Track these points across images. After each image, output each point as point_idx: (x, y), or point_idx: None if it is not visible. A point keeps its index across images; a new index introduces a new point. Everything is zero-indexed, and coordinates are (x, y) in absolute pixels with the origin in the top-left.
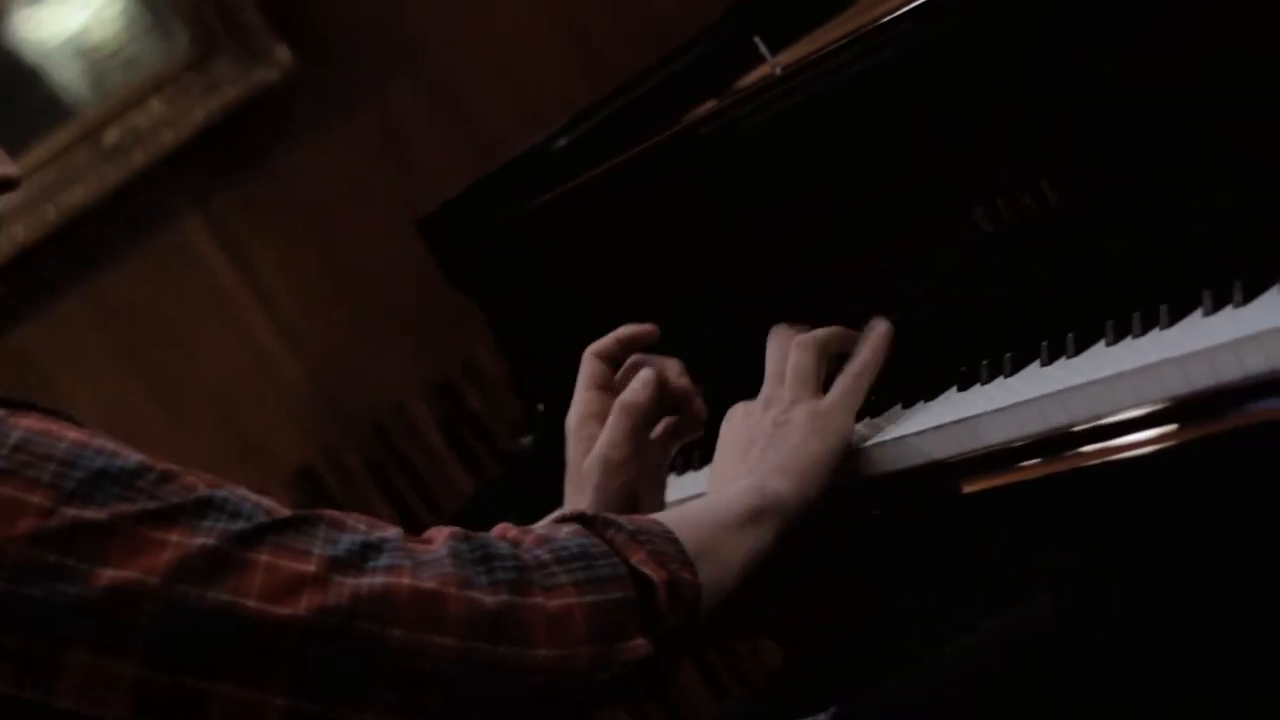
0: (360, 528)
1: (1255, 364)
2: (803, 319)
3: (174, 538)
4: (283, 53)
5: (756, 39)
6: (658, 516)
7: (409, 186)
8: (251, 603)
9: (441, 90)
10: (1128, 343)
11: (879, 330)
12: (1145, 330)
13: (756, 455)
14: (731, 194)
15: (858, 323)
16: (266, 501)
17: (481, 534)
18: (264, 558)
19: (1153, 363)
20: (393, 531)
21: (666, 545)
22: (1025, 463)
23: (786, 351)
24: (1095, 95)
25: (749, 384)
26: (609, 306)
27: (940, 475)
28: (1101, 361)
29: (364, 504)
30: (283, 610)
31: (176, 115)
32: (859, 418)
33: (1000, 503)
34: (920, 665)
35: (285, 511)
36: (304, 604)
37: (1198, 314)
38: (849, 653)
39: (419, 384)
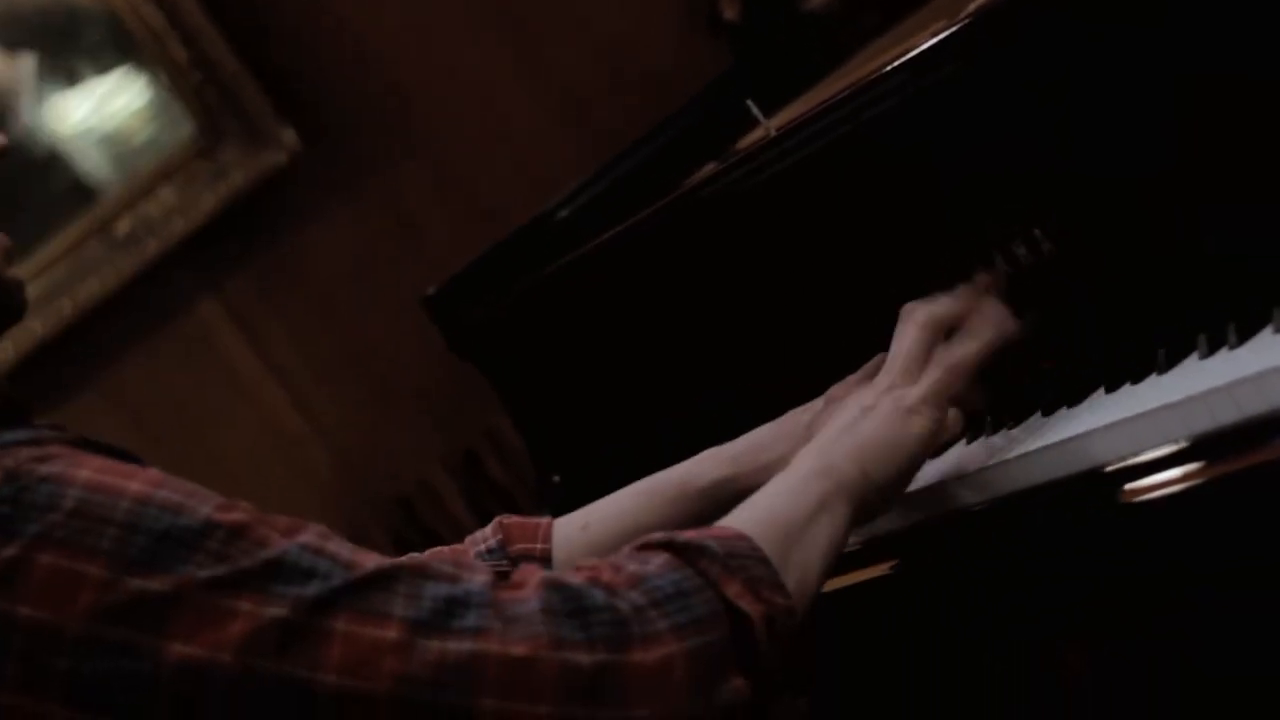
0: (447, 572)
1: (1251, 406)
2: (810, 375)
3: (244, 606)
4: (288, 135)
5: (749, 102)
6: (740, 526)
7: (418, 261)
8: (331, 677)
9: (445, 165)
10: (1126, 389)
11: (987, 312)
12: (1143, 375)
13: (831, 438)
14: (735, 254)
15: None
16: (346, 553)
17: (575, 580)
18: (341, 625)
19: (1151, 408)
20: (480, 577)
21: (759, 569)
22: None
23: (906, 330)
24: (1086, 142)
25: None
26: (617, 374)
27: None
28: (1103, 408)
29: None
30: (364, 684)
31: (187, 203)
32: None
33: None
34: None
35: (366, 565)
36: (386, 674)
37: (1194, 358)
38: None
39: (441, 455)
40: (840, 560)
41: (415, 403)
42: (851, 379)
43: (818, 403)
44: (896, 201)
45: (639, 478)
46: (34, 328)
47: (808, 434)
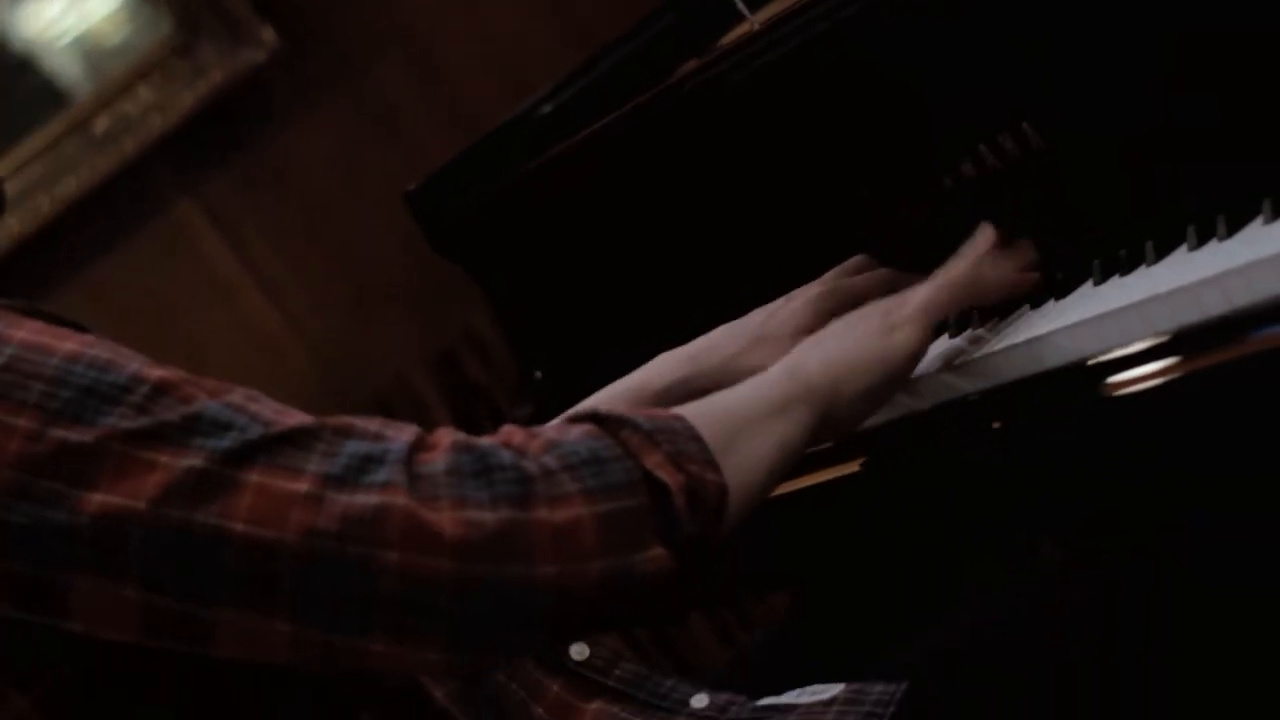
0: (370, 431)
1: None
2: (791, 274)
3: (162, 459)
4: (267, 33)
5: None
6: (682, 410)
7: (399, 160)
8: (240, 526)
9: (426, 63)
10: (1114, 281)
11: (980, 240)
12: (1132, 267)
13: (810, 344)
14: (718, 152)
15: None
16: (269, 412)
17: (485, 442)
18: (255, 478)
19: (1138, 300)
20: (403, 437)
21: (687, 444)
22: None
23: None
24: (1077, 34)
25: None
26: (599, 272)
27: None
28: (1090, 301)
29: None
30: (270, 533)
31: (165, 101)
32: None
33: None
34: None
35: (288, 423)
36: (292, 525)
37: (1182, 250)
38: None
39: (421, 356)
40: (823, 454)
41: (394, 303)
42: (813, 284)
43: (777, 301)
44: (881, 95)
45: (622, 372)
46: (11, 225)
47: (759, 331)
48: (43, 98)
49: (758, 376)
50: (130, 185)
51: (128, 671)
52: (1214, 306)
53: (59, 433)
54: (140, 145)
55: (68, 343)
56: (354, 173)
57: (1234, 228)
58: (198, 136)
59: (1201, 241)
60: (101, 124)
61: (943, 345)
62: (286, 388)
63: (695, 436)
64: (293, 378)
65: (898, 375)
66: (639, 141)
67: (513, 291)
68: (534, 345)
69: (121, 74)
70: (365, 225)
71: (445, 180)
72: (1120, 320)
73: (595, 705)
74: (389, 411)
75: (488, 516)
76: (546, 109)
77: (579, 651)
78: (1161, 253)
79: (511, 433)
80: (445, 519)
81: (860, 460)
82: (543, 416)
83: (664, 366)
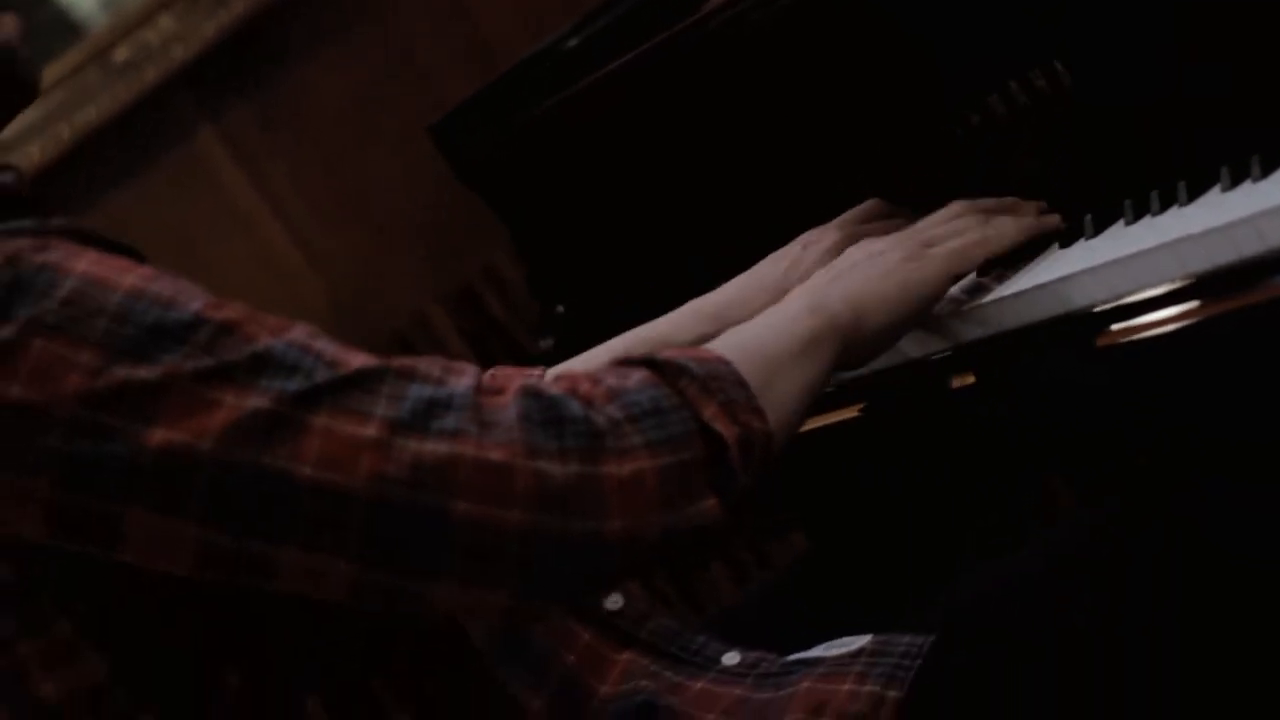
0: (433, 374)
1: (1276, 238)
2: (809, 212)
3: (228, 398)
4: None
5: None
6: (723, 351)
7: (421, 96)
8: (308, 469)
9: None
10: (1146, 221)
11: (1028, 211)
12: (1164, 208)
13: (830, 276)
14: (740, 90)
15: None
16: (332, 351)
17: (553, 391)
18: (322, 421)
19: (1172, 240)
20: (465, 381)
21: (736, 391)
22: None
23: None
24: None
25: None
26: (623, 206)
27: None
28: (1122, 240)
29: None
30: (339, 478)
31: (186, 31)
32: None
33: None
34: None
35: (352, 364)
36: (363, 471)
37: (1215, 190)
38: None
39: (439, 292)
40: (825, 398)
41: (413, 239)
42: (830, 224)
43: (793, 247)
44: (914, 32)
45: (643, 306)
46: (31, 153)
47: (784, 281)
48: (59, 29)
49: (779, 309)
50: (151, 114)
51: (157, 601)
52: (1248, 247)
53: (122, 370)
54: (161, 75)
55: (129, 276)
56: (376, 106)
57: (1268, 169)
58: (220, 68)
59: (1235, 182)
60: (122, 53)
61: (969, 283)
62: (304, 318)
63: (741, 382)
64: (311, 313)
65: (919, 311)
66: (663, 77)
67: (536, 226)
68: (555, 280)
69: (144, 3)
70: (384, 161)
71: (470, 113)
72: (1152, 260)
73: (626, 656)
74: (408, 347)
75: (557, 470)
76: (573, 43)
77: (613, 601)
78: (1194, 193)
79: (577, 380)
80: (517, 469)
81: (859, 407)
82: (564, 351)
83: (689, 321)
